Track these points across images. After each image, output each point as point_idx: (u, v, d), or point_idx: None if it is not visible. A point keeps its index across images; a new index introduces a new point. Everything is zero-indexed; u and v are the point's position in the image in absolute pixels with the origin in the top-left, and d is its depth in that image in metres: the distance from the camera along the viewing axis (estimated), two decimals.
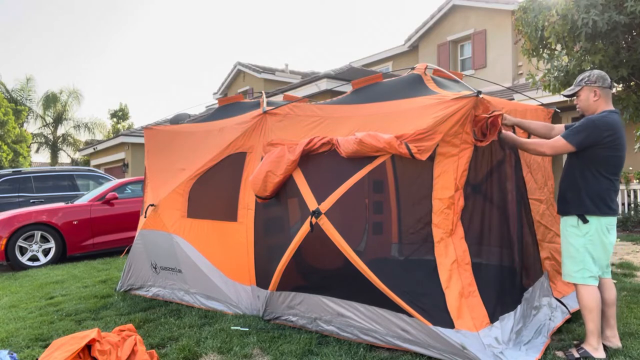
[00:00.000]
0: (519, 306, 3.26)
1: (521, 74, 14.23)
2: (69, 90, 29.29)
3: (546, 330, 3.30)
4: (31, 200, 9.71)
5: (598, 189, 3.02)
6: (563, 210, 3.18)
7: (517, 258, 3.50)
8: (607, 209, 3.03)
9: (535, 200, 4.06)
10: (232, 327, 3.79)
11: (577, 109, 3.25)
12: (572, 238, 3.09)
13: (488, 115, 3.06)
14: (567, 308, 3.70)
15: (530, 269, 3.67)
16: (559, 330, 3.49)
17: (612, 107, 3.13)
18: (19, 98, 27.15)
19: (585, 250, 3.04)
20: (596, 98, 3.12)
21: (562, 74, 6.81)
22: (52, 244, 7.70)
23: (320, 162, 3.55)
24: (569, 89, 3.29)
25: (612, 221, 3.08)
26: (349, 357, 3.12)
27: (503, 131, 3.24)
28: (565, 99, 3.30)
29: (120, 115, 34.02)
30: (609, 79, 3.15)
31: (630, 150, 10.49)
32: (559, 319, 3.54)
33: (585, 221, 3.03)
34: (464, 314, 2.90)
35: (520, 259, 3.53)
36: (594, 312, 2.99)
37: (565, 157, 3.27)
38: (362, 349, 3.22)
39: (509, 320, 3.09)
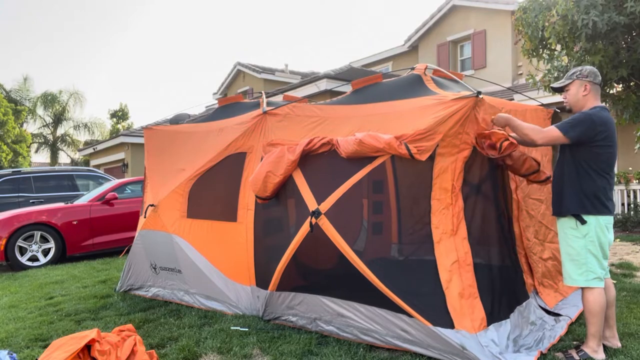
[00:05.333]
0: (512, 314, 3.24)
1: (521, 74, 14.23)
2: (69, 91, 29.34)
3: (547, 341, 3.26)
4: (31, 201, 9.70)
5: (594, 187, 2.96)
6: (559, 212, 3.10)
7: (512, 265, 3.50)
8: (603, 207, 2.97)
9: (536, 200, 4.05)
10: (231, 327, 3.79)
11: (565, 103, 3.19)
12: (572, 240, 3.02)
13: (506, 138, 3.00)
14: (564, 316, 3.67)
15: (524, 280, 3.66)
16: None
17: (600, 104, 3.08)
18: (18, 98, 27.16)
19: (587, 251, 2.97)
20: (585, 93, 3.07)
21: (562, 75, 6.81)
22: (51, 244, 7.69)
23: (320, 162, 3.55)
24: (559, 81, 3.22)
25: (609, 220, 3.02)
26: (349, 358, 3.11)
27: (498, 114, 3.19)
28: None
29: (120, 115, 34.03)
30: (600, 76, 3.11)
31: (630, 150, 10.49)
32: (561, 328, 3.49)
33: (583, 222, 2.97)
34: (463, 315, 2.90)
35: (515, 267, 3.53)
36: (598, 316, 2.94)
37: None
38: (362, 349, 3.21)
39: (505, 326, 3.08)
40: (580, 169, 3.00)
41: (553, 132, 2.98)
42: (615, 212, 9.48)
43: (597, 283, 2.97)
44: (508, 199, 3.68)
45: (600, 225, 2.97)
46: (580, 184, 2.99)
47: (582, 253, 2.98)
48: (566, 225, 3.06)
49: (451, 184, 3.05)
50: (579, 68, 3.14)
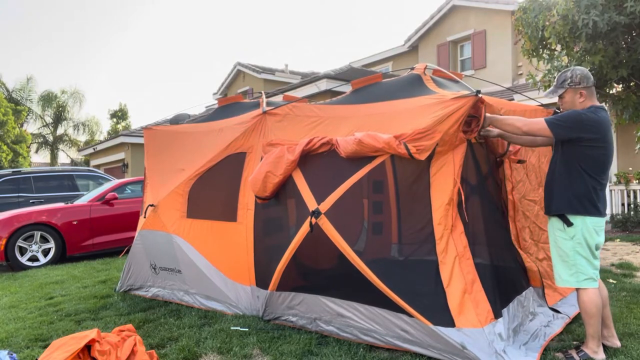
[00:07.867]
0: (510, 304, 3.25)
1: (521, 74, 14.23)
2: (70, 90, 29.35)
3: (543, 336, 3.26)
4: (31, 201, 9.70)
5: (583, 187, 2.94)
6: (549, 210, 3.10)
7: (509, 258, 3.50)
8: (592, 208, 2.93)
9: (530, 201, 4.05)
10: (231, 328, 3.79)
11: (562, 110, 3.17)
12: (560, 242, 3.02)
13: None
14: (562, 314, 3.67)
15: (524, 271, 3.66)
16: None
17: (597, 103, 3.04)
18: (19, 98, 27.16)
19: (575, 253, 2.96)
20: (582, 99, 3.03)
21: None
22: (51, 244, 7.70)
23: (320, 162, 3.55)
24: (551, 90, 3.16)
25: (599, 222, 2.97)
26: (349, 358, 3.11)
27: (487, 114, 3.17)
28: None
29: (119, 115, 34.04)
30: (592, 77, 3.05)
31: (630, 150, 10.49)
32: (557, 326, 3.50)
33: (569, 224, 2.96)
34: (468, 310, 2.89)
35: (514, 258, 3.53)
36: (595, 317, 2.93)
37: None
38: (361, 349, 3.21)
39: (504, 316, 3.08)
40: (570, 168, 2.97)
41: (539, 122, 2.94)
42: (615, 212, 9.48)
43: (589, 284, 2.96)
44: (503, 196, 3.70)
45: (588, 227, 2.94)
46: (569, 183, 2.97)
47: (570, 255, 2.97)
48: (555, 227, 3.06)
49: (452, 178, 3.05)
50: (569, 74, 3.06)
